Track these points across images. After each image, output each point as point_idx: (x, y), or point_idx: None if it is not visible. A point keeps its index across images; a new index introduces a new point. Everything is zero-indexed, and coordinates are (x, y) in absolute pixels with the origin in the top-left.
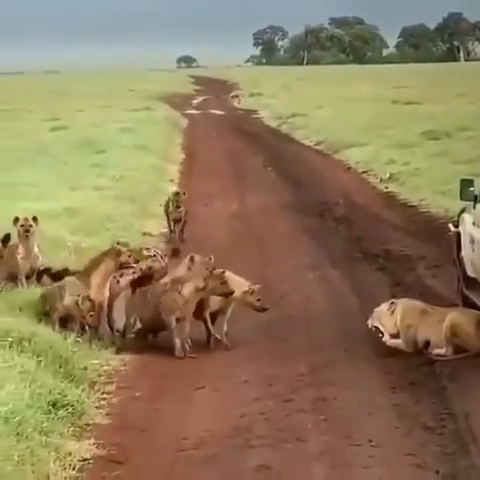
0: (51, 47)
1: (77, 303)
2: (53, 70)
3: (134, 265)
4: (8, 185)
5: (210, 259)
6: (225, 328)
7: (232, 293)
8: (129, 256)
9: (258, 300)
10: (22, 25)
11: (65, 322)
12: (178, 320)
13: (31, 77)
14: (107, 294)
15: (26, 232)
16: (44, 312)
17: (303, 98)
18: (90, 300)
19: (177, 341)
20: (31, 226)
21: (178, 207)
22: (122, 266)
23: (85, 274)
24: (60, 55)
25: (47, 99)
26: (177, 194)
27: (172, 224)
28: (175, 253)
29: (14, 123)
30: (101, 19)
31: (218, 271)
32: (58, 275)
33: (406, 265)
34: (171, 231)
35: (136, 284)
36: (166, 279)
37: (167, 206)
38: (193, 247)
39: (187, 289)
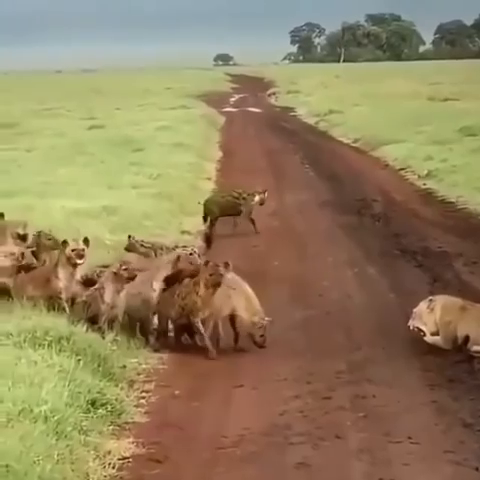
0: (88, 45)
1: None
2: (90, 69)
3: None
4: (47, 183)
5: (194, 252)
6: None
7: (219, 284)
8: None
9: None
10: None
11: (111, 322)
12: (203, 321)
13: (69, 75)
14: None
15: (79, 258)
16: (88, 318)
17: (340, 95)
18: None
19: (208, 343)
20: (83, 250)
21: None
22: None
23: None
24: (96, 54)
25: (85, 98)
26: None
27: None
28: (208, 242)
29: (54, 121)
30: (137, 18)
31: (211, 264)
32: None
33: (444, 262)
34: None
35: (169, 281)
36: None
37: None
38: (233, 243)
39: (201, 289)
